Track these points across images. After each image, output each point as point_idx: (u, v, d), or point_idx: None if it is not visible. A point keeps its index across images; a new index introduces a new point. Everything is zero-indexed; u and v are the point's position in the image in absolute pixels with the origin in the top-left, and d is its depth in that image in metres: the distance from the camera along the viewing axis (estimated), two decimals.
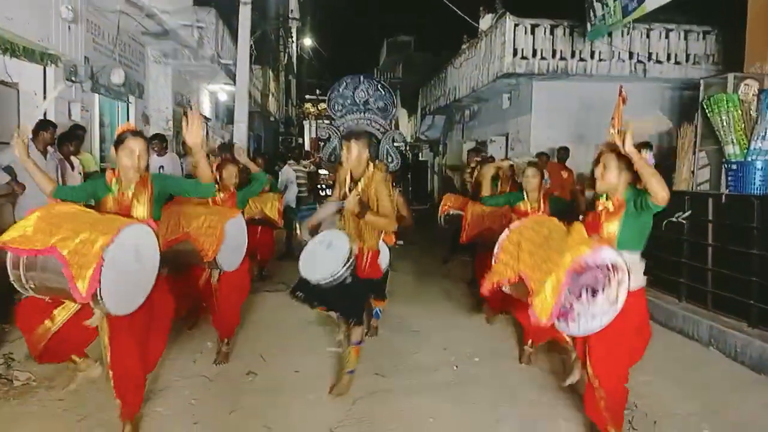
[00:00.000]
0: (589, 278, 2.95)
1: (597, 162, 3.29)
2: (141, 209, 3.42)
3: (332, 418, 3.80)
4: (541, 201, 5.16)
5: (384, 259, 4.69)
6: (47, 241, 2.95)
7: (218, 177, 5.00)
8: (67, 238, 2.96)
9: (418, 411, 3.95)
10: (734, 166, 6.25)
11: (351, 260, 3.95)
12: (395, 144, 14.08)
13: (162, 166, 8.49)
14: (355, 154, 4.11)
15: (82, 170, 6.85)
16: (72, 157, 6.74)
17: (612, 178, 3.24)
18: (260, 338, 5.33)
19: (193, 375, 4.46)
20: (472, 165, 7.97)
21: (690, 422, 3.87)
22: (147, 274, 3.31)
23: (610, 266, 2.99)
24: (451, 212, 6.94)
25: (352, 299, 4.17)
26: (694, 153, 7.06)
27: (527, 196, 5.22)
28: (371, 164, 4.16)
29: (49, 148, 6.10)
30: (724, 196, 5.49)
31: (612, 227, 3.24)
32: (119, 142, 3.42)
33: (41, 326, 3.28)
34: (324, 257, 3.99)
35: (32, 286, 3.06)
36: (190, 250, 4.36)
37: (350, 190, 4.14)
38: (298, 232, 4.23)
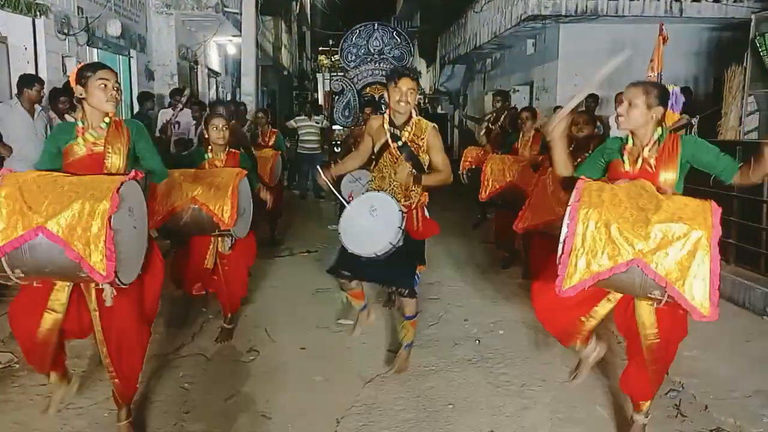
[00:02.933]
0: None
1: (619, 100, 2.92)
2: (117, 159, 2.90)
3: (339, 404, 3.40)
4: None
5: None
6: (30, 221, 2.46)
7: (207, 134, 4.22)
8: (54, 212, 2.47)
9: (435, 395, 3.52)
10: None
11: (404, 223, 3.41)
12: None
13: (178, 122, 7.99)
14: (405, 95, 3.43)
15: None
16: (67, 115, 6.25)
17: (638, 116, 2.78)
18: (266, 310, 4.93)
19: (189, 353, 4.08)
20: (495, 108, 7.38)
21: (747, 407, 3.39)
22: (142, 236, 2.87)
23: None
24: (474, 167, 6.45)
25: (405, 267, 3.66)
26: (743, 98, 6.37)
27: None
28: (414, 112, 3.57)
29: (37, 107, 5.64)
30: None
31: (669, 175, 2.76)
32: (86, 75, 2.82)
33: (43, 321, 2.79)
34: (373, 226, 3.41)
35: (20, 274, 2.55)
36: (202, 218, 3.82)
37: (392, 140, 3.55)
38: (322, 176, 3.64)
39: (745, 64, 6.39)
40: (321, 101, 21.62)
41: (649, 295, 2.52)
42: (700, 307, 2.40)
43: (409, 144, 3.54)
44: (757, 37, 6.05)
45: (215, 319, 4.59)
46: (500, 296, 5.34)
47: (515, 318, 4.75)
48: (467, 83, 19.12)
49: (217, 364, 3.93)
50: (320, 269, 6.33)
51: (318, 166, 3.78)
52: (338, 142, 11.97)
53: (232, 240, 4.16)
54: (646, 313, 2.77)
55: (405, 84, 3.42)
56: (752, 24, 6.40)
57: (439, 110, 21.90)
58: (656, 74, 6.08)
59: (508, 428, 3.19)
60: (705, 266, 2.39)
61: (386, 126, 3.58)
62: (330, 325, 4.62)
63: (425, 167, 3.60)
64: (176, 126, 7.89)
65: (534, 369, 3.87)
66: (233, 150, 4.30)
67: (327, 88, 20.20)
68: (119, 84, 2.95)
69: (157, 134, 6.73)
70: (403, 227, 3.39)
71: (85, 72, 2.83)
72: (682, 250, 2.39)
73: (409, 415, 3.30)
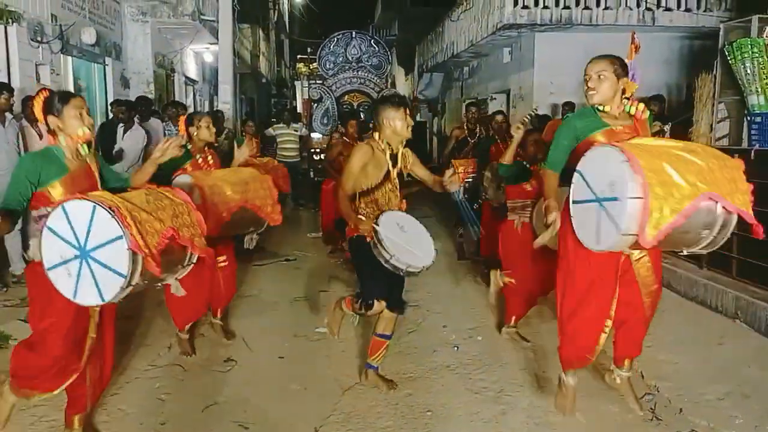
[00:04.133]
0: None
1: (588, 75, 2.93)
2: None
3: (318, 413, 3.38)
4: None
5: None
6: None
7: (192, 133, 4.14)
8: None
9: (413, 402, 3.52)
10: (758, 118, 5.73)
11: None
12: None
13: (148, 131, 7.93)
14: (406, 122, 3.46)
15: None
16: (41, 124, 6.11)
17: (609, 88, 2.90)
18: (243, 319, 4.89)
19: (166, 363, 4.03)
20: (470, 116, 7.39)
21: (720, 409, 3.44)
22: None
23: None
24: (470, 179, 6.28)
25: (402, 283, 3.64)
26: (713, 105, 6.50)
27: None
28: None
29: (7, 115, 5.52)
30: (753, 152, 4.95)
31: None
32: (57, 106, 2.79)
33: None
34: (411, 241, 3.37)
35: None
36: (249, 217, 3.91)
37: (394, 167, 3.54)
38: (367, 223, 3.42)
39: (714, 72, 6.52)
40: (300, 109, 21.58)
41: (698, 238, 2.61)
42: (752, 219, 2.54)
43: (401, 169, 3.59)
44: (726, 46, 6.17)
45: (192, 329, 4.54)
46: (478, 303, 5.35)
47: (493, 324, 4.77)
48: (445, 91, 19.26)
49: (194, 375, 3.89)
50: (299, 277, 6.32)
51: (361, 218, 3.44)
52: (317, 150, 11.93)
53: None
54: (645, 269, 3.01)
55: (404, 113, 3.45)
56: (721, 33, 6.54)
57: (418, 118, 21.99)
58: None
59: None
60: (744, 185, 2.56)
61: (386, 153, 3.50)
62: (308, 334, 4.60)
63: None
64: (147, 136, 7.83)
65: (512, 374, 3.89)
66: (208, 149, 4.28)
67: (305, 96, 20.18)
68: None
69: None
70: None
71: (56, 103, 2.79)
72: (729, 176, 2.52)
73: (387, 422, 3.30)
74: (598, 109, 2.95)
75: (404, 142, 3.57)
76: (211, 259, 2.92)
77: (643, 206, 2.40)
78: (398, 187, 3.59)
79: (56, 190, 2.73)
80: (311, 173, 11.77)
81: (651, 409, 3.42)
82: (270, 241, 7.73)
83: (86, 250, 2.47)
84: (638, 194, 2.40)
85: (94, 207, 2.44)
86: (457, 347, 4.36)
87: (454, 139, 7.23)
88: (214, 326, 4.50)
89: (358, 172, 3.43)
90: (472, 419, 3.34)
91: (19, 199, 2.68)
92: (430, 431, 3.23)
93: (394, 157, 3.54)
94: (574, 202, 2.82)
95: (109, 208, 2.42)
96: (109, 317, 3.01)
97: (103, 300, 2.51)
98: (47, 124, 2.81)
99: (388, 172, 3.51)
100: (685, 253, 2.80)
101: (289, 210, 10.70)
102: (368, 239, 3.27)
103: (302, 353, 4.24)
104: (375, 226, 3.24)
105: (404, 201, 3.68)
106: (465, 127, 7.08)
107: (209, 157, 4.21)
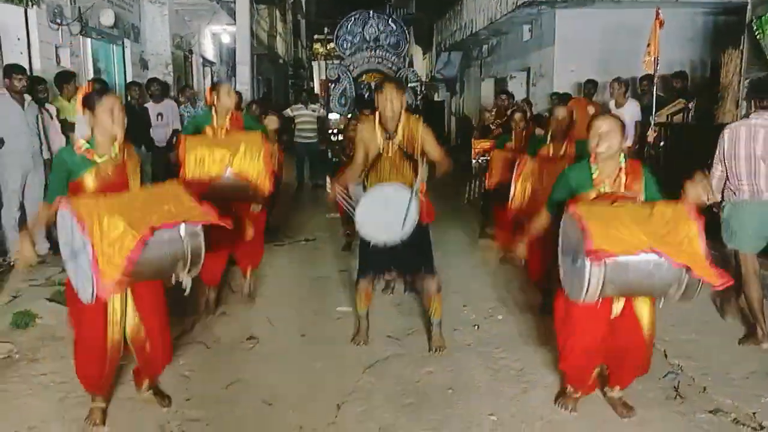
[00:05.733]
0: None
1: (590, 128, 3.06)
2: (136, 180, 3.06)
3: (340, 390, 3.41)
4: (567, 145, 4.57)
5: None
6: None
7: (215, 99, 4.40)
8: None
9: (435, 380, 3.54)
10: None
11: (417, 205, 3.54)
12: (409, 84, 13.44)
13: (161, 114, 7.99)
14: (390, 102, 3.65)
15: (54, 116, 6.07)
16: (48, 104, 6.08)
17: (616, 145, 3.02)
18: (265, 298, 4.92)
19: (189, 341, 4.08)
20: (500, 103, 7.36)
21: (745, 388, 3.41)
22: None
23: None
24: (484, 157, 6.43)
25: (425, 252, 3.86)
26: (740, 81, 6.35)
27: (550, 139, 4.64)
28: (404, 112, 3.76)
29: (27, 96, 5.53)
30: None
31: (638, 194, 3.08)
32: (94, 99, 2.92)
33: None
34: (393, 213, 3.49)
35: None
36: (240, 185, 4.01)
37: (387, 144, 3.71)
38: (329, 190, 3.68)
39: (741, 47, 6.36)
40: (317, 90, 21.53)
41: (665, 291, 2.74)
42: (713, 278, 2.61)
43: (405, 145, 3.70)
44: (754, 21, 6.01)
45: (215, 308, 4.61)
46: (498, 282, 5.34)
47: (511, 301, 4.76)
48: (464, 70, 19.02)
49: (217, 352, 3.94)
50: (318, 257, 6.35)
51: (327, 178, 3.84)
52: (335, 131, 11.90)
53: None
54: (647, 311, 2.99)
55: (389, 90, 3.65)
56: (749, 7, 6.36)
57: (436, 97, 21.82)
58: (653, 58, 6.07)
59: (508, 411, 3.21)
60: (701, 246, 2.65)
61: (378, 132, 3.72)
62: (329, 312, 4.63)
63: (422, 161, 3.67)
64: (159, 117, 7.89)
65: (532, 354, 3.88)
66: (234, 112, 4.50)
67: (323, 77, 20.12)
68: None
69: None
70: (416, 208, 3.50)
71: (92, 100, 2.92)
72: (682, 244, 2.65)
73: (409, 399, 3.32)
74: (590, 168, 3.08)
75: (404, 120, 3.70)
76: (228, 225, 2.92)
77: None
78: (407, 163, 3.70)
79: (88, 183, 2.90)
80: (329, 154, 11.76)
81: (674, 387, 3.41)
82: (288, 222, 7.77)
83: (74, 251, 2.65)
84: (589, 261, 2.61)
85: (70, 216, 2.59)
86: (477, 326, 4.36)
87: (481, 123, 7.27)
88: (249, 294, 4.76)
89: (361, 150, 3.77)
90: (494, 397, 3.35)
91: (57, 191, 2.89)
92: (451, 408, 3.24)
93: (390, 136, 3.70)
94: (561, 252, 3.00)
95: (78, 218, 2.53)
96: (150, 309, 3.07)
97: (88, 300, 2.61)
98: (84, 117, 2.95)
99: (382, 152, 3.72)
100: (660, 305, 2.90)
101: (307, 191, 10.74)
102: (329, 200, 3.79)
103: (323, 332, 4.27)
104: (338, 192, 3.65)
105: (422, 183, 3.70)
106: (492, 113, 7.07)
107: (227, 123, 4.40)
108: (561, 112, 4.61)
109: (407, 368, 3.69)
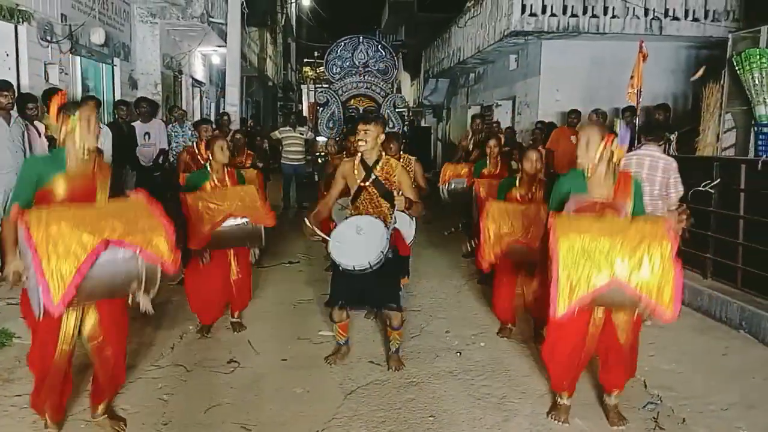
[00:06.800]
0: None
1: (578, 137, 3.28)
2: (104, 193, 3.03)
3: (320, 416, 3.38)
4: (537, 188, 4.57)
5: (411, 231, 4.69)
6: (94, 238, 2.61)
7: (210, 155, 4.51)
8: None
9: (416, 407, 3.52)
10: (765, 129, 5.72)
11: (391, 234, 3.73)
12: (397, 109, 13.55)
13: (148, 133, 7.98)
14: (371, 138, 3.86)
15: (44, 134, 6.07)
16: (37, 122, 6.06)
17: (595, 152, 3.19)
18: (246, 321, 4.86)
19: (169, 364, 4.03)
20: (474, 127, 7.42)
21: (724, 419, 3.42)
22: None
23: None
24: (454, 185, 6.42)
25: (392, 285, 4.01)
26: (720, 115, 6.49)
27: (519, 183, 4.62)
28: (383, 150, 4.02)
29: (12, 113, 5.49)
30: (760, 163, 4.91)
31: (627, 204, 3.23)
32: (73, 108, 2.94)
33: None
34: (363, 240, 3.67)
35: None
36: (248, 230, 4.36)
37: (366, 179, 3.92)
38: (308, 225, 3.81)
39: (722, 82, 6.52)
40: (305, 112, 21.63)
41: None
42: (669, 311, 2.78)
43: (382, 180, 3.89)
44: (734, 56, 6.17)
45: (195, 331, 4.57)
46: (481, 308, 5.35)
47: (496, 330, 4.76)
48: (451, 97, 19.25)
49: (197, 376, 3.89)
50: (301, 280, 6.33)
51: (305, 218, 3.86)
52: (322, 153, 11.94)
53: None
54: (623, 320, 3.20)
55: (362, 127, 3.88)
56: (729, 43, 6.53)
57: (423, 123, 22.03)
58: (636, 90, 6.19)
59: None
60: (670, 275, 2.77)
61: (358, 167, 3.94)
62: (311, 337, 4.60)
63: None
64: (147, 137, 7.87)
65: (514, 381, 3.88)
66: (229, 169, 4.60)
67: (311, 100, 20.23)
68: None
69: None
70: (389, 237, 3.65)
71: (68, 109, 2.93)
72: (650, 265, 2.77)
73: (389, 427, 3.29)
74: (584, 175, 3.23)
75: (382, 157, 3.94)
76: (173, 266, 2.87)
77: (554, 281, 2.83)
78: (383, 197, 3.91)
79: (56, 190, 2.88)
80: (315, 176, 11.79)
81: (654, 418, 3.41)
82: (272, 244, 7.72)
83: (27, 264, 2.61)
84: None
85: (22, 227, 2.59)
86: (460, 353, 4.35)
87: (461, 149, 7.28)
88: (232, 325, 4.73)
89: (338, 185, 4.05)
90: (474, 425, 3.33)
91: (20, 197, 2.85)
92: None
93: (368, 171, 3.91)
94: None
95: (27, 229, 2.52)
96: (111, 325, 3.04)
97: (37, 314, 2.56)
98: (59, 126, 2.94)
99: (362, 185, 3.93)
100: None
101: (292, 213, 10.72)
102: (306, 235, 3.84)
103: (305, 356, 4.24)
104: (308, 224, 3.76)
105: (388, 210, 3.94)
106: (469, 138, 7.12)
107: (226, 177, 4.52)
108: (533, 155, 4.52)
109: (388, 395, 3.66)
